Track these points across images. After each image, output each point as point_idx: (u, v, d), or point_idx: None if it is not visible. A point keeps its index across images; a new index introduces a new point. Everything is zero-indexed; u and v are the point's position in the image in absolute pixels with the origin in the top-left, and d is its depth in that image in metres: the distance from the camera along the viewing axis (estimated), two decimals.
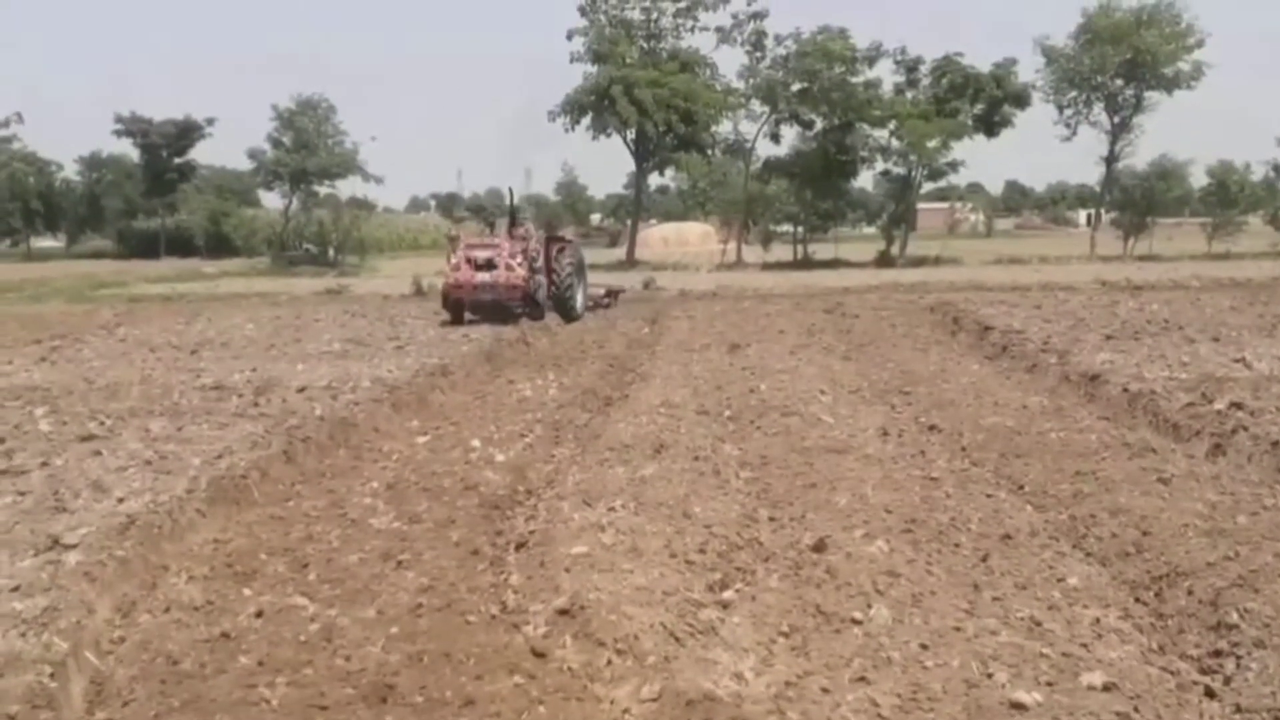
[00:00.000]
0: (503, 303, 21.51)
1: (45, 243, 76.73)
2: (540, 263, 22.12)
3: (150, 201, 69.03)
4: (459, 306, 21.57)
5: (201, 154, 71.17)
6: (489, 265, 21.55)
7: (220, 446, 9.27)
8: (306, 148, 55.34)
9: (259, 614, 5.83)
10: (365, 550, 6.87)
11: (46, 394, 12.51)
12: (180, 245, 65.77)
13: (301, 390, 12.43)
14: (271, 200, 67.53)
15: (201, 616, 5.84)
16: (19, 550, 6.42)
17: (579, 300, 23.43)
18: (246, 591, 6.21)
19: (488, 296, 21.53)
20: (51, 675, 4.77)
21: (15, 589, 5.72)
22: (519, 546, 7.09)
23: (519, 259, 21.57)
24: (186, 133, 67.89)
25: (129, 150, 69.62)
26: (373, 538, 7.14)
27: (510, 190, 24.40)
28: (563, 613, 5.62)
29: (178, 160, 69.26)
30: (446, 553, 6.81)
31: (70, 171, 73.50)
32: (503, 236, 22.52)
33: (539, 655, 5.24)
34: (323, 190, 59.12)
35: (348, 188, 63.98)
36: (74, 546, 6.39)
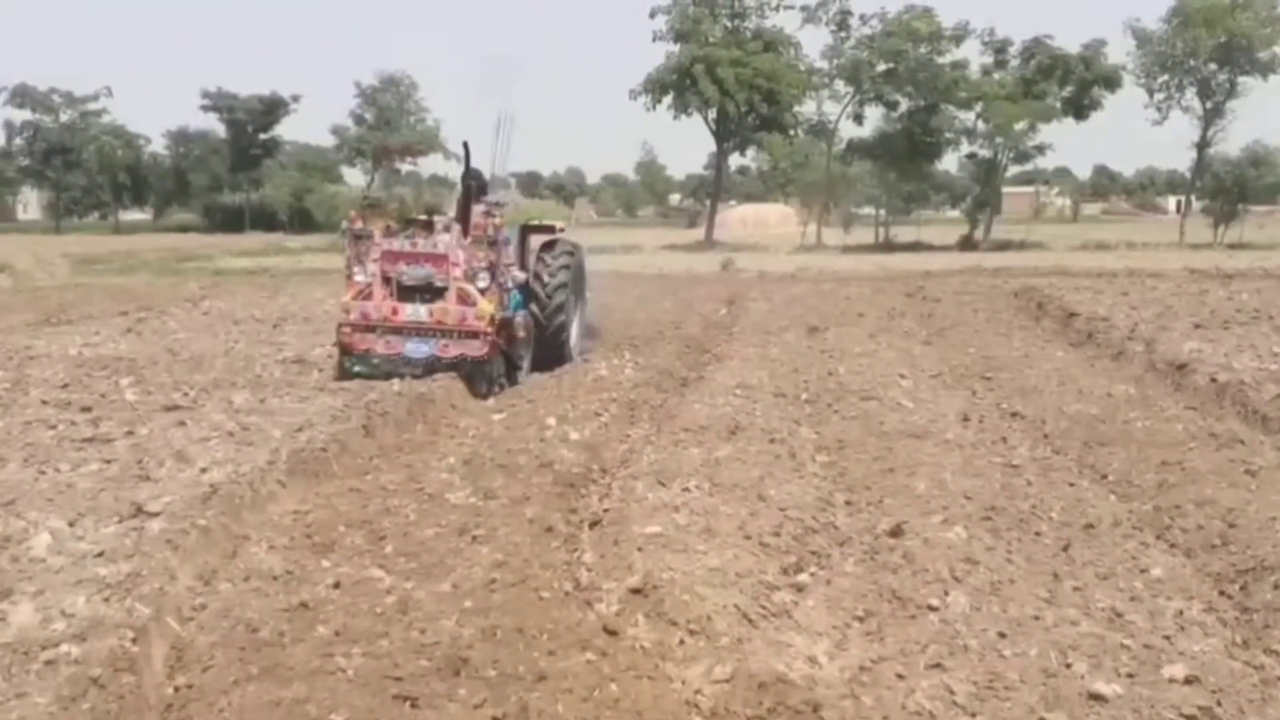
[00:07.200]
0: (454, 363, 11.73)
1: (132, 216, 78.58)
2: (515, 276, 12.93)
3: (235, 176, 70.38)
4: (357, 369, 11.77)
5: (286, 130, 72.53)
6: (429, 290, 11.89)
7: (301, 419, 9.35)
8: (389, 124, 55.90)
9: (336, 585, 5.87)
10: (441, 525, 6.89)
11: (132, 364, 12.72)
12: (264, 220, 67.24)
13: None
14: (354, 176, 68.33)
15: (280, 586, 5.90)
16: (104, 517, 6.52)
17: (574, 333, 14.01)
18: (325, 562, 6.27)
19: (421, 354, 11.72)
20: (134, 640, 4.83)
21: (100, 554, 5.81)
22: (593, 524, 7.10)
23: (483, 274, 11.90)
24: (272, 109, 68.89)
25: (215, 125, 70.93)
26: (449, 512, 7.16)
27: (465, 146, 13.56)
28: (635, 591, 5.60)
29: (263, 136, 70.39)
30: (521, 529, 6.81)
31: (158, 145, 75.38)
32: (452, 230, 12.25)
33: (611, 633, 5.23)
34: (404, 167, 59.69)
35: (429, 165, 64.49)
36: (157, 514, 6.47)
